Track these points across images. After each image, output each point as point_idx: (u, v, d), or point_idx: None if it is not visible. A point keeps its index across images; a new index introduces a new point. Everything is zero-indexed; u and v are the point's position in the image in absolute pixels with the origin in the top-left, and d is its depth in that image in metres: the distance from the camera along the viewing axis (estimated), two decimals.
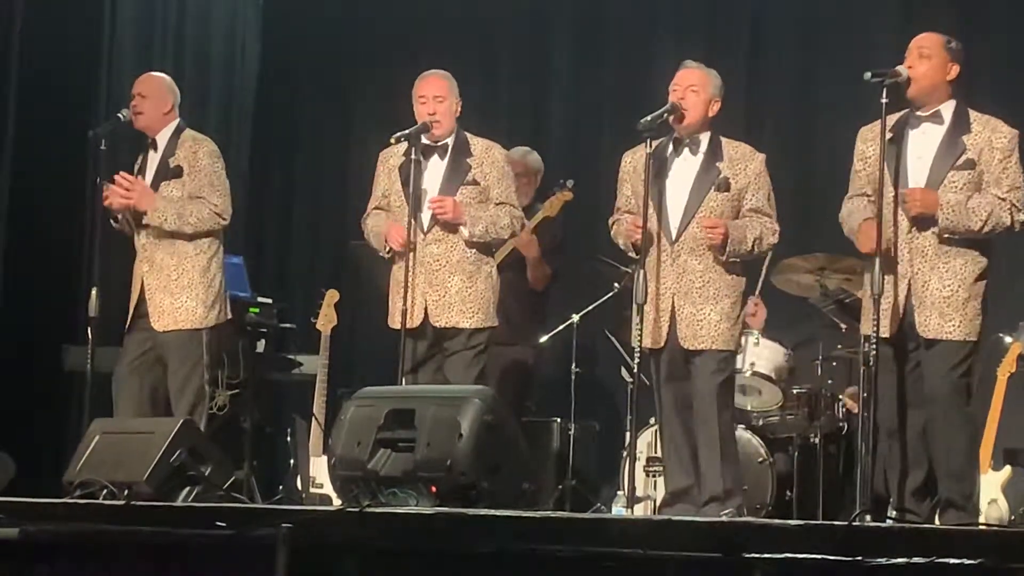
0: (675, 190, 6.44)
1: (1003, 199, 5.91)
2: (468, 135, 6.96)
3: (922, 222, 5.93)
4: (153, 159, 7.22)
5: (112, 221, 7.25)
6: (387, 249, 6.89)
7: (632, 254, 6.53)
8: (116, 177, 7.07)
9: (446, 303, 6.77)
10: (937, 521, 5.97)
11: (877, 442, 5.90)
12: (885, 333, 5.92)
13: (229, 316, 7.27)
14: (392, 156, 6.95)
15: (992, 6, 8.81)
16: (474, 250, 6.84)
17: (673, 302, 6.38)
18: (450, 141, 6.91)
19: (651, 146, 6.35)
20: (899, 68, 5.98)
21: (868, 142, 6.10)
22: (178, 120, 7.26)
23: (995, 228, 5.91)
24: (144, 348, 7.09)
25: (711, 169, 6.43)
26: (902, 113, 6.07)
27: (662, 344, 6.42)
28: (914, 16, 8.42)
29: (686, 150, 6.48)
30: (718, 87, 6.50)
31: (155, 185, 7.14)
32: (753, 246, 6.39)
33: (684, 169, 6.47)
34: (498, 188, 6.88)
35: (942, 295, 5.91)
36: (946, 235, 5.91)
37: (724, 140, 6.50)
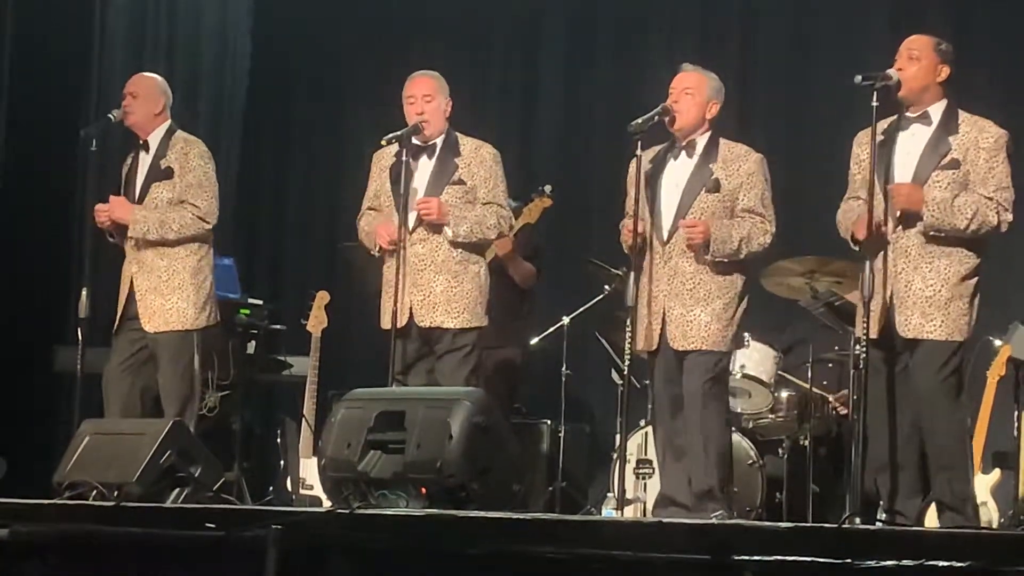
0: (668, 192, 6.45)
1: (989, 198, 5.91)
2: (460, 135, 6.95)
3: (908, 221, 5.93)
4: (144, 160, 7.22)
5: (109, 237, 7.25)
6: (377, 248, 6.90)
7: (628, 252, 6.51)
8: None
9: (430, 303, 6.76)
10: (937, 525, 5.97)
11: (867, 445, 5.90)
12: (873, 334, 5.93)
13: (218, 319, 7.26)
14: (384, 157, 6.96)
15: (982, 8, 8.83)
16: (460, 250, 6.82)
17: (664, 304, 6.38)
18: (439, 141, 6.90)
19: (641, 149, 6.36)
20: (889, 72, 5.99)
21: (863, 146, 6.10)
22: (169, 121, 7.26)
23: (981, 227, 5.90)
24: (135, 349, 7.09)
25: (704, 170, 6.42)
26: (895, 117, 6.09)
27: (655, 347, 6.42)
28: (904, 17, 8.42)
29: (683, 153, 6.47)
30: (716, 89, 6.50)
31: (146, 186, 7.14)
32: (740, 246, 6.33)
33: (679, 171, 6.47)
34: (485, 187, 6.85)
35: (924, 295, 5.90)
36: (931, 232, 5.90)
37: (723, 141, 6.48)
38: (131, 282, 7.11)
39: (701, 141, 6.47)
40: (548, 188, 8.16)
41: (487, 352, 7.35)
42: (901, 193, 5.91)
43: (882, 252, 5.94)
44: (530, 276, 8.16)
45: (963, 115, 6.03)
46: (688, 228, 6.31)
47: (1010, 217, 5.94)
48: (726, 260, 6.35)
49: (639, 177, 6.35)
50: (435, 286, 6.77)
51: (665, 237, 6.41)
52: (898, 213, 5.93)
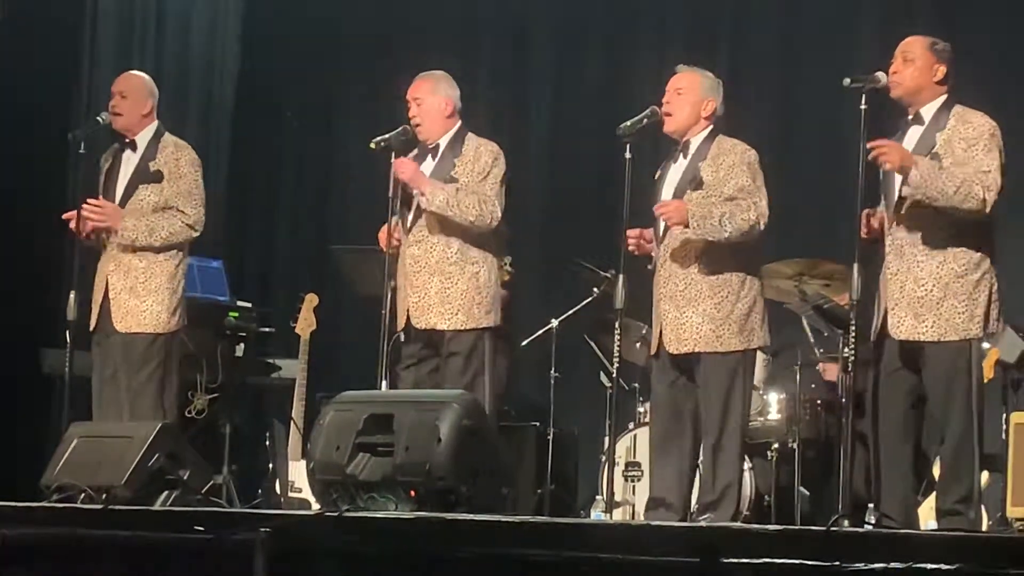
0: (664, 195, 6.45)
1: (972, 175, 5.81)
2: (470, 135, 6.85)
3: (908, 223, 5.89)
4: (131, 159, 7.16)
5: (83, 240, 7.20)
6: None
7: (649, 267, 6.51)
8: (86, 203, 7.02)
9: (425, 305, 6.74)
10: (926, 527, 5.96)
11: (856, 447, 5.89)
12: (867, 336, 5.92)
13: (186, 323, 7.21)
14: None
15: (972, 6, 8.83)
16: (457, 251, 6.75)
17: (661, 306, 6.38)
18: (443, 142, 6.84)
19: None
20: (877, 74, 5.96)
21: None
22: (157, 123, 7.23)
23: (966, 199, 5.74)
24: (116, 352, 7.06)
25: (693, 169, 6.41)
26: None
27: (656, 350, 6.42)
28: (901, 16, 8.42)
29: (680, 155, 6.47)
30: (710, 87, 6.48)
31: (132, 186, 7.09)
32: (722, 221, 6.22)
33: (675, 173, 6.47)
34: (474, 180, 6.73)
35: (916, 295, 5.87)
36: (917, 195, 5.77)
37: (719, 138, 6.44)
38: (107, 280, 7.08)
39: (696, 141, 6.45)
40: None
41: None
42: (894, 149, 5.79)
43: (875, 255, 5.92)
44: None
45: (956, 109, 5.97)
46: (661, 208, 6.31)
47: (993, 196, 5.78)
48: (712, 239, 6.24)
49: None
50: (430, 287, 6.74)
51: (660, 239, 6.42)
52: (888, 166, 5.87)
